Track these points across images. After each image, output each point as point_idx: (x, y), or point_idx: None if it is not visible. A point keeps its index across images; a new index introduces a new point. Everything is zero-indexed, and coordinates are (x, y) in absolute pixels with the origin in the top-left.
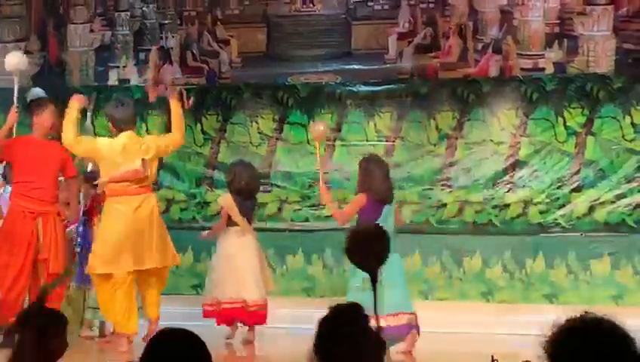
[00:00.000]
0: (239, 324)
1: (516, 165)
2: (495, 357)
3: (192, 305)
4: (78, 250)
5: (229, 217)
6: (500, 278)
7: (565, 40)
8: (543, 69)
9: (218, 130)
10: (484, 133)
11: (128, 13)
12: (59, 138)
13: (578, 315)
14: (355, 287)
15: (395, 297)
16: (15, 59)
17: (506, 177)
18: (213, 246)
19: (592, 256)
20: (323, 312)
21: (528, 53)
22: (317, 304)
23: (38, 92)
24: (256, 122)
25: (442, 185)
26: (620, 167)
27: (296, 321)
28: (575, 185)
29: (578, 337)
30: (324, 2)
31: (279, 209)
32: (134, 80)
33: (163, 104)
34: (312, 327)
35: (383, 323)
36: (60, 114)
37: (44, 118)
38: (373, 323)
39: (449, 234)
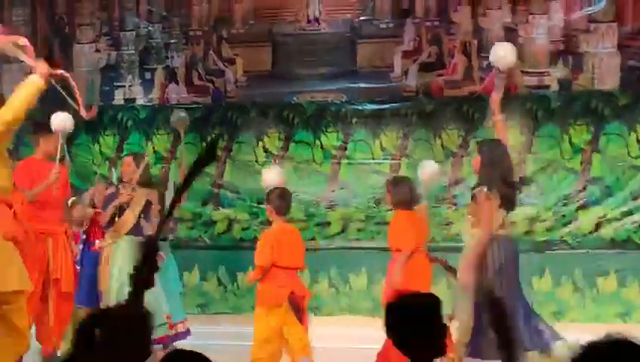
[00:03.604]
0: None
1: (522, 182)
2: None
3: (199, 324)
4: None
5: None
6: None
7: (570, 57)
8: (548, 86)
9: (224, 149)
10: None
11: (134, 33)
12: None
13: (601, 337)
14: None
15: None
16: (59, 120)
17: None
18: (220, 264)
19: (598, 273)
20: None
21: (533, 70)
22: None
23: (181, 115)
24: (262, 141)
25: (448, 203)
26: (626, 184)
27: None
28: (581, 202)
29: (603, 359)
30: (329, 21)
31: None
32: (140, 99)
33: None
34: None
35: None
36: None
37: (50, 141)
38: None
39: (455, 252)
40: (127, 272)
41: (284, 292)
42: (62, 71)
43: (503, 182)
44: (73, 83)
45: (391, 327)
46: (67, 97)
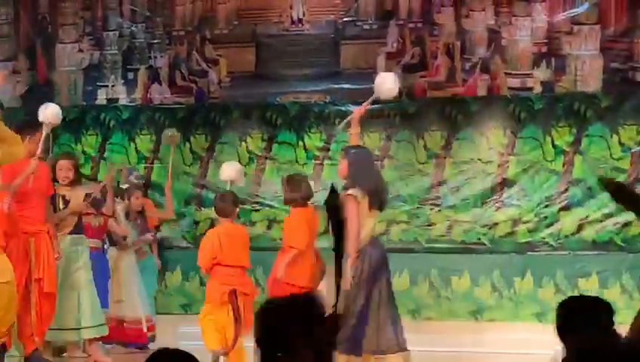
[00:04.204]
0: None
1: (504, 184)
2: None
3: (181, 324)
4: None
5: None
6: (488, 297)
7: (553, 59)
8: (531, 88)
9: (207, 150)
10: (472, 153)
11: (117, 33)
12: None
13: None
14: None
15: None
16: (46, 111)
17: (495, 196)
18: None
19: (580, 275)
20: None
21: (516, 72)
22: None
23: (173, 133)
24: (245, 141)
25: (431, 204)
26: None
27: None
28: (563, 203)
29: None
30: (312, 22)
31: (268, 228)
32: (123, 99)
33: (152, 124)
34: None
35: None
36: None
37: (35, 140)
38: None
39: (438, 253)
40: None
41: (225, 289)
42: None
43: (370, 186)
44: None
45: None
46: None
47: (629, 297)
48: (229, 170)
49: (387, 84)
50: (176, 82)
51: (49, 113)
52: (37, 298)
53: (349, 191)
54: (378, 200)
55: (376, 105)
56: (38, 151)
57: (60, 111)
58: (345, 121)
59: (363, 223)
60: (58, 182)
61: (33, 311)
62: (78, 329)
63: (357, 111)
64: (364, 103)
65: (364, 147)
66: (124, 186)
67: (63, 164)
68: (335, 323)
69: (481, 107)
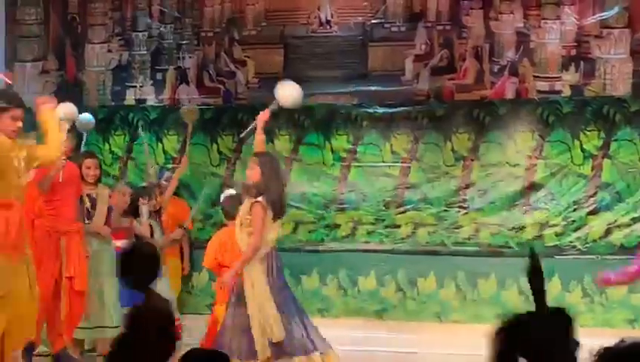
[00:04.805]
0: None
1: (532, 187)
2: None
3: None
4: None
5: None
6: (515, 301)
7: (582, 62)
8: (560, 92)
9: (234, 150)
10: (500, 156)
11: (146, 34)
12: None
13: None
14: None
15: None
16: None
17: (522, 199)
18: None
19: None
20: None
21: (545, 75)
22: (331, 324)
23: (191, 107)
24: (272, 143)
25: (458, 206)
26: (636, 190)
27: None
28: (591, 207)
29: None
30: (340, 24)
31: (294, 229)
32: (151, 100)
33: (180, 124)
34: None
35: None
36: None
37: (69, 144)
38: None
39: (464, 256)
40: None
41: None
42: None
43: (275, 196)
44: None
45: None
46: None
47: None
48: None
49: (287, 92)
50: (204, 83)
51: (62, 110)
52: (67, 296)
53: (259, 199)
54: (281, 210)
55: (404, 108)
56: (63, 149)
57: (75, 108)
58: (250, 127)
59: (268, 231)
60: (83, 180)
61: (63, 310)
62: (104, 327)
63: (261, 116)
64: (267, 110)
65: (274, 155)
66: (144, 185)
67: (90, 163)
68: None
69: (509, 110)
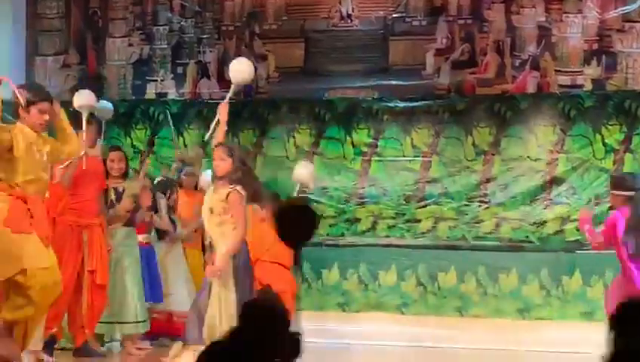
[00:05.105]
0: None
1: (553, 182)
2: None
3: None
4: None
5: None
6: (536, 295)
7: (604, 56)
8: (581, 86)
9: (255, 145)
10: (521, 150)
11: (167, 28)
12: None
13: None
14: None
15: None
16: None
17: (543, 194)
18: None
19: None
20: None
21: (566, 69)
22: (352, 319)
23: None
24: (293, 137)
25: (479, 201)
26: None
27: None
28: None
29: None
30: (361, 18)
31: None
32: (172, 94)
33: (201, 119)
34: (347, 342)
35: None
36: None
37: (89, 133)
38: None
39: (485, 251)
40: None
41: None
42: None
43: (250, 189)
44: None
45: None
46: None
47: None
48: (302, 172)
49: (239, 67)
50: (224, 77)
51: (78, 98)
52: (89, 290)
53: (238, 188)
54: (262, 199)
55: (425, 102)
56: (84, 138)
57: (92, 94)
58: (215, 119)
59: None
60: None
61: (84, 303)
62: (125, 323)
63: (222, 106)
64: (227, 97)
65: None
66: (159, 179)
67: (114, 156)
68: None
69: (530, 104)
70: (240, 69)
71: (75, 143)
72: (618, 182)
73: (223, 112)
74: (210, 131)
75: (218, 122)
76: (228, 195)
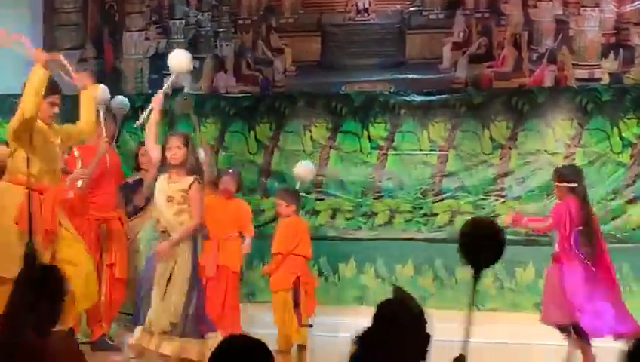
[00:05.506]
0: None
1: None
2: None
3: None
4: None
5: None
6: None
7: (621, 50)
8: (599, 80)
9: (271, 138)
10: (538, 144)
11: (183, 22)
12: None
13: None
14: None
15: None
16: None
17: None
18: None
19: None
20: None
21: (584, 63)
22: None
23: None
24: (310, 130)
25: (496, 195)
26: None
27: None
28: (630, 196)
29: None
30: (378, 12)
31: (332, 217)
32: (188, 88)
33: (217, 113)
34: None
35: None
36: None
37: (108, 127)
38: None
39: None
40: None
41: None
42: (54, 53)
43: (202, 171)
44: (65, 61)
45: None
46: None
47: None
48: (301, 170)
49: (178, 57)
50: (241, 71)
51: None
52: (107, 284)
53: (197, 176)
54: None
55: (442, 96)
56: (102, 131)
57: (107, 91)
58: (147, 110)
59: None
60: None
61: (103, 297)
62: None
63: (156, 97)
64: (164, 87)
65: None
66: None
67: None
68: None
69: (547, 98)
70: (179, 59)
71: (90, 124)
72: (562, 174)
73: (156, 102)
74: (141, 119)
75: (151, 111)
76: (191, 185)
